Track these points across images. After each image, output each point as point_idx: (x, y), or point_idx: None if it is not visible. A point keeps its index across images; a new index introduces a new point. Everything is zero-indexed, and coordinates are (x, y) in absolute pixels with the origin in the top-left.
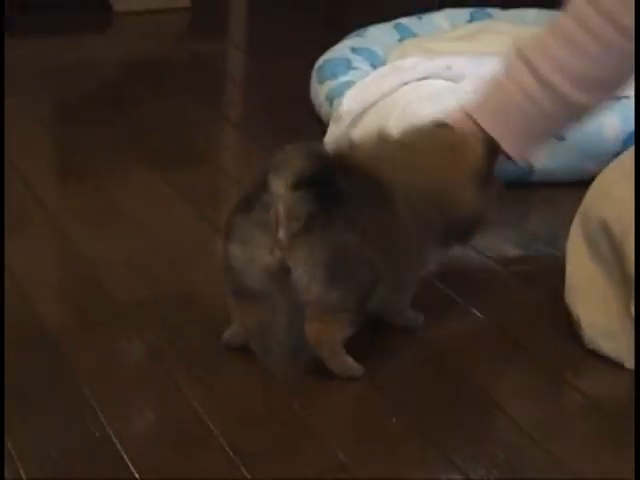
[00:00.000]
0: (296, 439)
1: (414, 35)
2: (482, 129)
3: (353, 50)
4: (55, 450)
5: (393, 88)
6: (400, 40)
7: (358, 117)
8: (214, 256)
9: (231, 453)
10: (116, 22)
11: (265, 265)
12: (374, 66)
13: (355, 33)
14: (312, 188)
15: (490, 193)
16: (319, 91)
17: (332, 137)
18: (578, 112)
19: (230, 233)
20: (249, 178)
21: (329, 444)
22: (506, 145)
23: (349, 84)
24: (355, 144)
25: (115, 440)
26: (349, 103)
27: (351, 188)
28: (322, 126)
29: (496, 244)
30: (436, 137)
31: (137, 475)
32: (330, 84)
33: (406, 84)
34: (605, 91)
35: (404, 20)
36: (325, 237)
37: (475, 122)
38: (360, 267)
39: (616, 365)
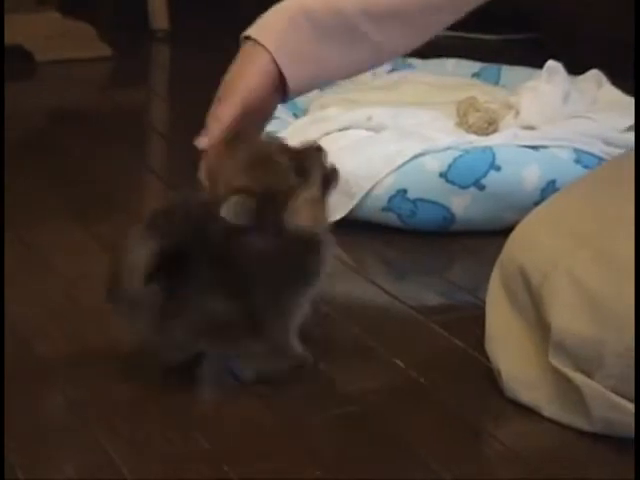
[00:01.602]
0: None
1: (335, 85)
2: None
3: None
4: None
5: (316, 138)
6: (321, 90)
7: None
8: None
9: None
10: (39, 71)
11: None
12: (296, 115)
13: None
14: (162, 280)
15: None
16: None
17: None
18: (366, 48)
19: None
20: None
21: None
22: (279, 58)
23: (271, 134)
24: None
25: None
26: None
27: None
28: None
29: (418, 293)
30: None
31: None
32: None
33: (327, 134)
34: (396, 26)
35: None
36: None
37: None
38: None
39: (536, 415)
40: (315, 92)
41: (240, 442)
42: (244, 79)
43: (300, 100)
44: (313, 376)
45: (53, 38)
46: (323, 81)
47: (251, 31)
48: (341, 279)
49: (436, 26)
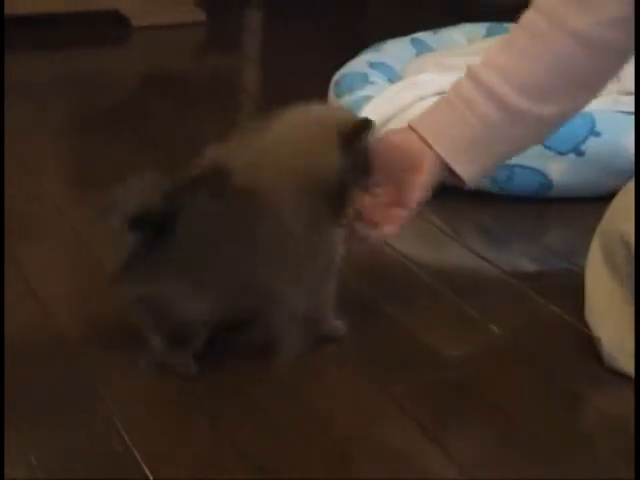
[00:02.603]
0: None
1: (430, 50)
2: (427, 143)
3: (370, 64)
4: (81, 466)
5: (410, 103)
6: (417, 55)
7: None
8: None
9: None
10: (134, 36)
11: None
12: (391, 81)
13: (372, 47)
14: (143, 230)
15: (357, 157)
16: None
17: None
18: (531, 124)
19: None
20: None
21: None
22: (453, 162)
23: (366, 99)
24: (231, 154)
25: (137, 456)
26: None
27: (197, 225)
28: None
29: (514, 259)
30: (299, 115)
31: None
32: (347, 98)
33: (423, 99)
34: (559, 100)
35: (420, 35)
36: (136, 283)
37: (420, 136)
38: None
39: (634, 383)
40: (410, 56)
41: (341, 404)
42: (418, 177)
43: (395, 65)
44: (410, 343)
45: (149, 3)
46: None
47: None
48: (436, 245)
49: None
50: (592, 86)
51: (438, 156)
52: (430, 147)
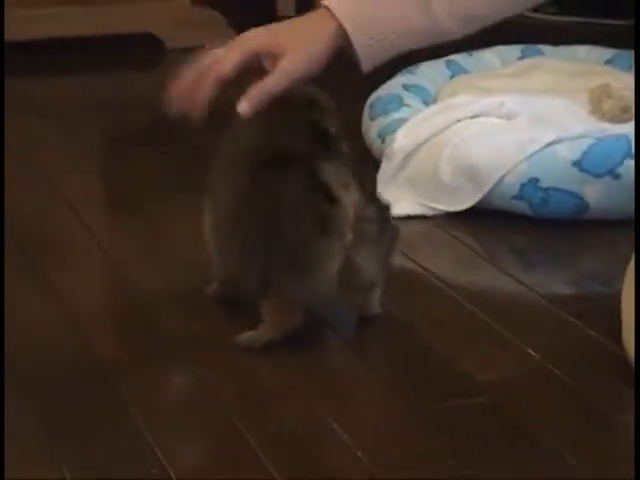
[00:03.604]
0: None
1: (465, 72)
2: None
3: (405, 87)
4: None
5: (445, 126)
6: (451, 77)
7: (410, 155)
8: None
9: None
10: (168, 59)
11: None
12: (425, 103)
13: (407, 70)
14: None
15: None
16: (371, 128)
17: (384, 174)
18: (438, 34)
19: None
20: None
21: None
22: (354, 34)
23: (401, 121)
24: None
25: (171, 474)
26: (401, 140)
27: None
28: (374, 162)
29: (549, 282)
30: None
31: None
32: (382, 121)
33: (459, 122)
34: (474, 26)
35: (455, 57)
36: None
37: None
38: None
39: None
40: (445, 79)
41: (371, 427)
42: (312, 46)
43: (430, 87)
44: (442, 364)
45: (183, 25)
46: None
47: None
48: (470, 267)
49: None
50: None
51: (339, 26)
52: (332, 15)
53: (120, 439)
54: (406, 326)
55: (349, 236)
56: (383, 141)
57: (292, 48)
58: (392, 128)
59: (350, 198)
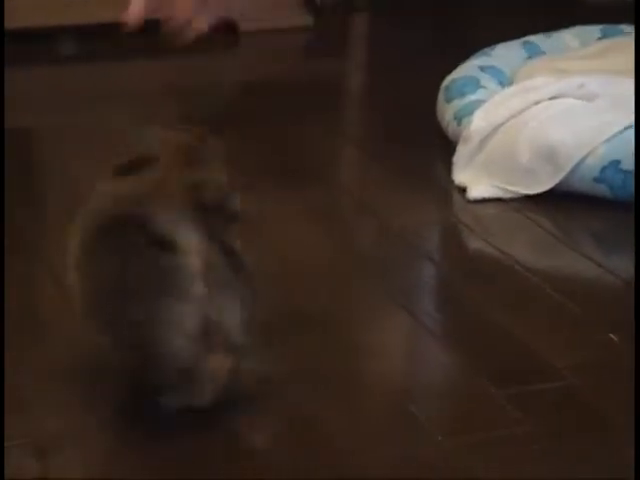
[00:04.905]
0: None
1: (542, 53)
2: None
3: (481, 69)
4: None
5: (523, 108)
6: (528, 58)
7: (487, 137)
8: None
9: None
10: (242, 41)
11: None
12: (502, 84)
13: (482, 51)
14: None
15: None
16: (446, 110)
17: (461, 156)
18: None
19: None
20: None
21: None
22: None
23: (478, 103)
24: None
25: None
26: (478, 122)
27: None
28: (448, 145)
29: (630, 266)
30: None
31: None
32: (458, 103)
33: (537, 103)
34: None
35: (532, 38)
36: None
37: None
38: None
39: None
40: (522, 60)
41: (450, 411)
42: None
43: (505, 69)
44: (521, 348)
45: (258, 8)
46: None
47: None
48: (549, 251)
49: None
50: None
51: None
52: None
53: None
54: (484, 311)
55: (199, 288)
56: (459, 123)
57: None
58: (469, 110)
59: (192, 244)
